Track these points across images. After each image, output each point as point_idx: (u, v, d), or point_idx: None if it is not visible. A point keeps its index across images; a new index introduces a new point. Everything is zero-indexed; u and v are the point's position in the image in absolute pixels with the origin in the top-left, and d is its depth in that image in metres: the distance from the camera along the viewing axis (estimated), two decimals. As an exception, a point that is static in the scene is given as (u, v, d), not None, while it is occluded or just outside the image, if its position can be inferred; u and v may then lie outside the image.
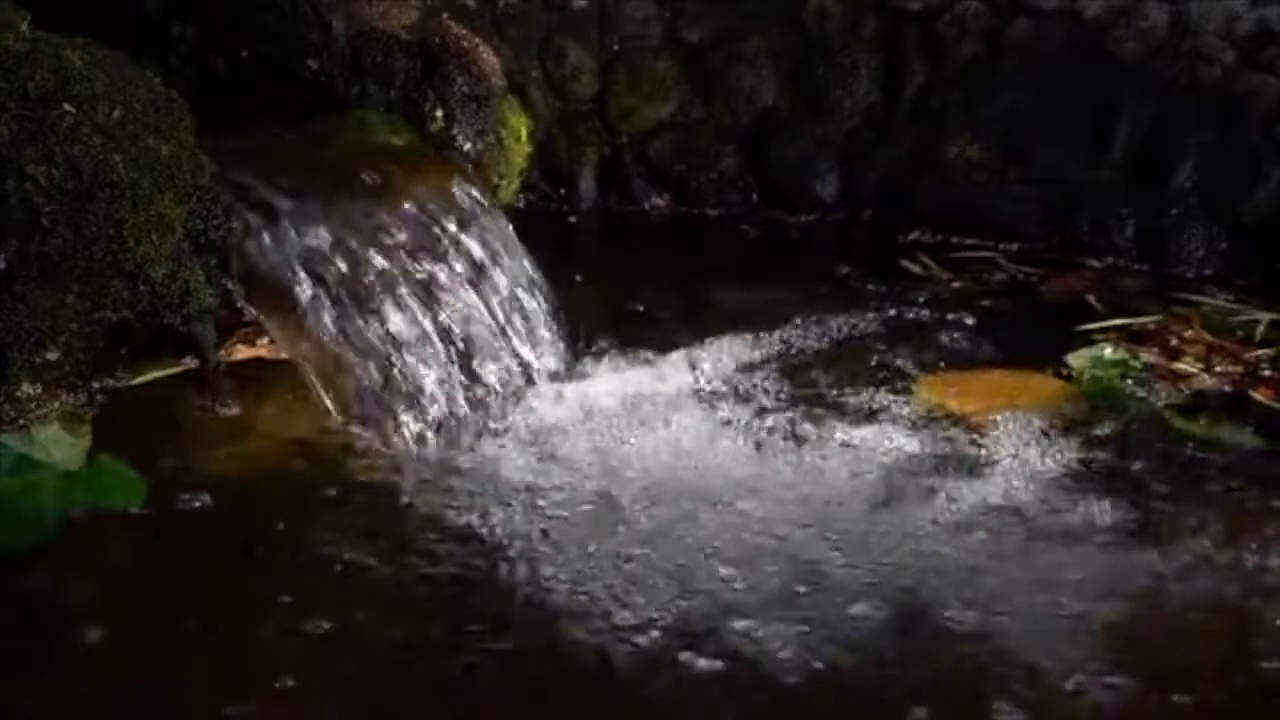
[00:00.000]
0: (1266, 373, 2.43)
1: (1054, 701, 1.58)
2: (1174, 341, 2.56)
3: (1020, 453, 2.13)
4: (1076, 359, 2.45)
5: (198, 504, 1.92)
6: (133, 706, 1.54)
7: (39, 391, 1.89)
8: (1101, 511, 1.97)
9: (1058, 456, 2.13)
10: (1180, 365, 2.45)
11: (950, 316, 2.66)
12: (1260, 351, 2.51)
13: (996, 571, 1.83)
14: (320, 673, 1.60)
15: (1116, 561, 1.86)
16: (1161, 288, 2.82)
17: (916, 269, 2.92)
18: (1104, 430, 2.21)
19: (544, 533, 1.88)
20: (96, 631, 1.63)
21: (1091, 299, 2.75)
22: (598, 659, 1.63)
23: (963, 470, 2.08)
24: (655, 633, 1.67)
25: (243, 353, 2.18)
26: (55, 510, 1.85)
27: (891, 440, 2.16)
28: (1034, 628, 1.71)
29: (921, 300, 2.74)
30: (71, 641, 1.62)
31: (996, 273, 2.93)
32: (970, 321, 2.64)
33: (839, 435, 2.17)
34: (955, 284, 2.85)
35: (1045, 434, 2.19)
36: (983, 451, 2.13)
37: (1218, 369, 2.45)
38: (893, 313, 2.67)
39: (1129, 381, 2.38)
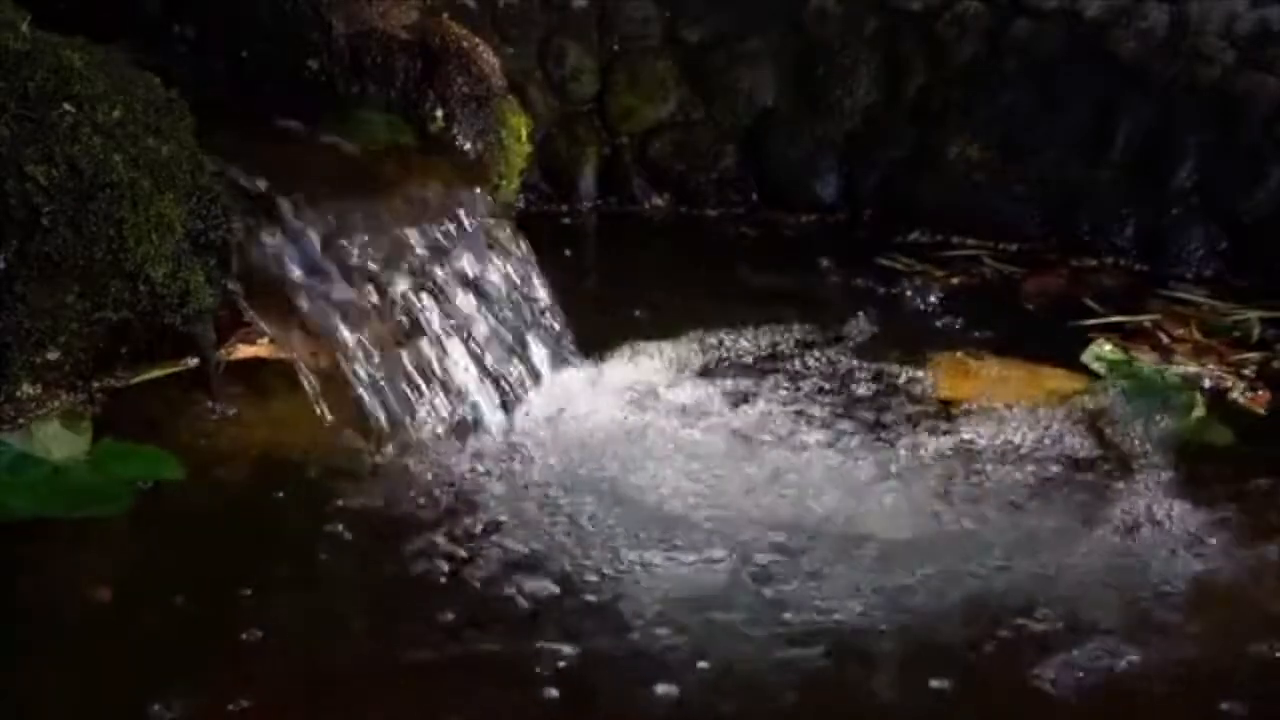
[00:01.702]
0: (1250, 374, 2.44)
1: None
2: (1166, 340, 2.57)
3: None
4: (1091, 354, 2.47)
5: (195, 501, 1.92)
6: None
7: (39, 391, 1.90)
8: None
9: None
10: (1177, 366, 2.46)
11: (947, 314, 2.69)
12: (1249, 354, 2.52)
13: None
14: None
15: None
16: (1137, 286, 2.85)
17: (899, 267, 2.92)
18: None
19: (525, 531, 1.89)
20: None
21: (1090, 301, 2.77)
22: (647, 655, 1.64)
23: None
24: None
25: (243, 353, 2.18)
26: (129, 481, 1.93)
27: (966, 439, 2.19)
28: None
29: (913, 299, 2.75)
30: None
31: (982, 271, 2.94)
32: (963, 318, 2.66)
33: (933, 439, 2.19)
34: (948, 281, 2.87)
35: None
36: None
37: (1209, 368, 2.46)
38: (893, 311, 2.68)
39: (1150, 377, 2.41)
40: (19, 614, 1.69)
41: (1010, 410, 2.26)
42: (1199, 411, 2.29)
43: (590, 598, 1.74)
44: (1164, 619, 1.74)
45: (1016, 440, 2.18)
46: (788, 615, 1.71)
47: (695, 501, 1.98)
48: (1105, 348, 2.49)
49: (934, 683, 1.59)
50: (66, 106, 1.83)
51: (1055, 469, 2.10)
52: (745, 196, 3.29)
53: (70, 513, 1.87)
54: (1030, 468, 2.10)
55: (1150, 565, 1.85)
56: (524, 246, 2.38)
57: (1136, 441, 2.19)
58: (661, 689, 1.57)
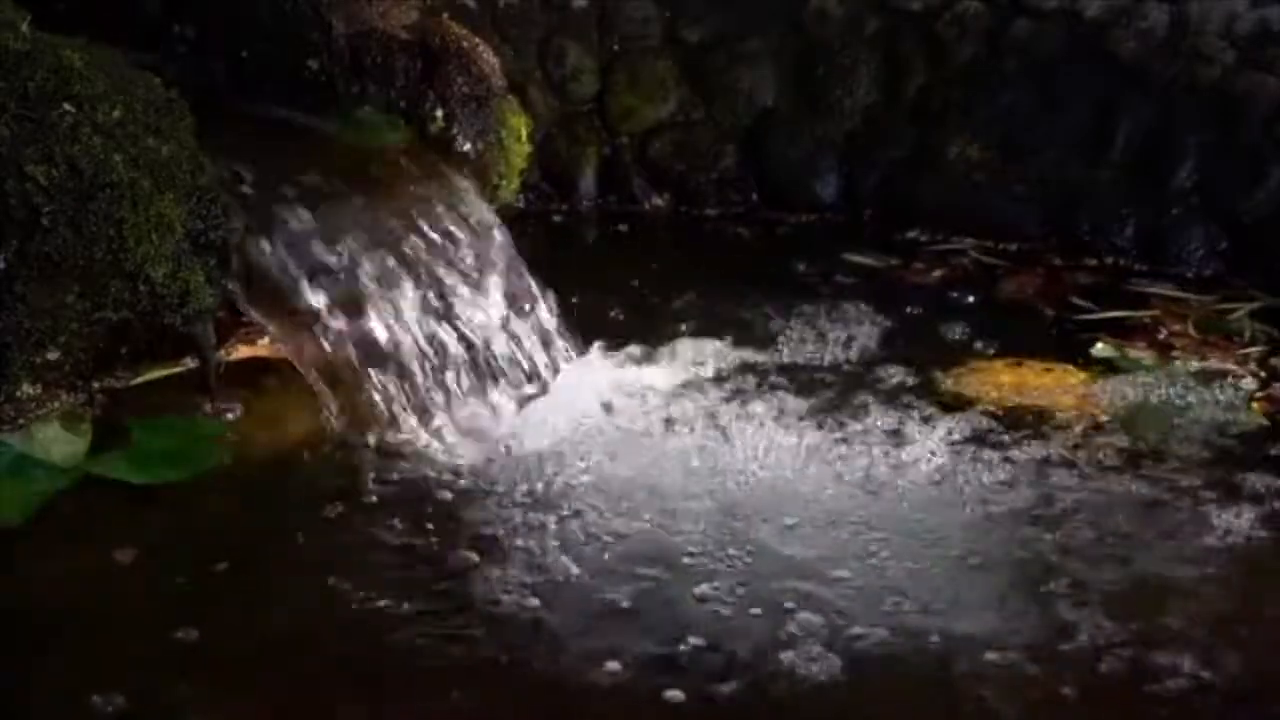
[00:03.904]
0: (1254, 370, 2.45)
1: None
2: (1163, 335, 2.57)
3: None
4: (1101, 351, 2.48)
5: (193, 500, 1.92)
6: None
7: (39, 391, 1.89)
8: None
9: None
10: (1194, 362, 2.47)
11: (943, 312, 2.68)
12: (1251, 349, 2.52)
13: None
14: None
15: None
16: (1114, 284, 2.85)
17: (879, 264, 2.93)
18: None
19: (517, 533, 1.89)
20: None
21: (1078, 300, 2.77)
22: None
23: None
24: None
25: (243, 353, 2.18)
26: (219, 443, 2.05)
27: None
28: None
29: (912, 298, 2.75)
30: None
31: (969, 267, 2.95)
32: (963, 318, 2.65)
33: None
34: (944, 281, 2.87)
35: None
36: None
37: (1212, 362, 2.47)
38: (895, 310, 2.67)
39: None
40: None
41: (1048, 408, 2.27)
42: (1236, 403, 2.30)
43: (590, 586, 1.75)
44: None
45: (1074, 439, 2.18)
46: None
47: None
48: (1098, 345, 2.50)
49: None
50: (66, 106, 1.83)
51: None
52: (745, 196, 3.29)
53: (184, 477, 1.96)
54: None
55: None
56: (518, 248, 2.38)
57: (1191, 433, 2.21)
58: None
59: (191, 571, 1.78)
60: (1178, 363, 2.46)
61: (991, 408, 2.26)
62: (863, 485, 2.03)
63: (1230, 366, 2.45)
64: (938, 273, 2.91)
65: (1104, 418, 2.25)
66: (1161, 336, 2.58)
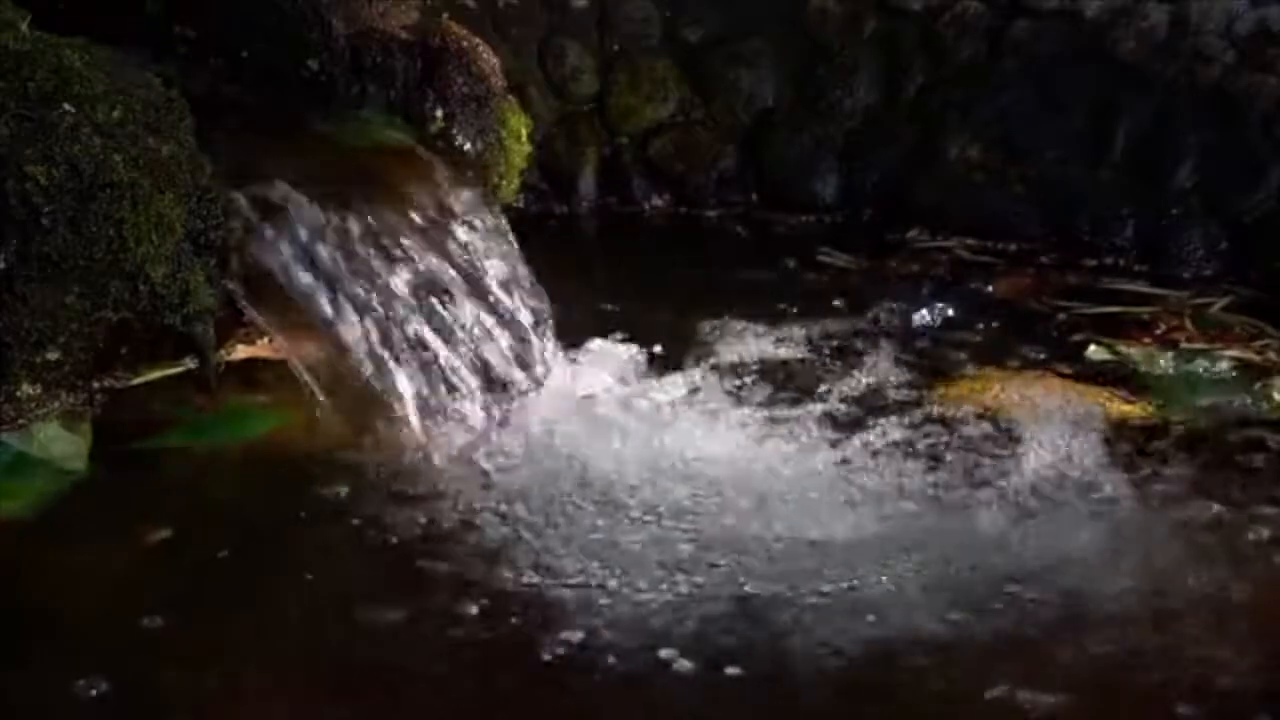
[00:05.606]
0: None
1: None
2: (1161, 331, 2.57)
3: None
4: (1095, 353, 2.47)
5: (191, 497, 1.93)
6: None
7: (39, 391, 1.89)
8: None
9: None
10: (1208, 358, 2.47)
11: (947, 314, 2.68)
12: (1261, 342, 2.52)
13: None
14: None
15: None
16: (1101, 283, 2.86)
17: (850, 265, 2.94)
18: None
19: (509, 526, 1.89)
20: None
21: (1072, 300, 2.77)
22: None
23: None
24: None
25: (243, 353, 2.18)
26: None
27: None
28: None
29: (915, 302, 2.74)
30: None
31: (954, 266, 2.95)
32: (964, 322, 2.65)
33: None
34: (949, 284, 2.87)
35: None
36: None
37: (1229, 355, 2.46)
38: (899, 314, 2.67)
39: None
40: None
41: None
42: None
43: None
44: None
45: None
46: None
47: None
48: (1091, 348, 2.49)
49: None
50: (66, 106, 1.82)
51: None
52: (745, 196, 3.30)
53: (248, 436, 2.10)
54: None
55: None
56: (519, 248, 2.38)
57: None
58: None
59: (192, 564, 1.78)
60: (1198, 358, 2.45)
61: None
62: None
63: (1253, 358, 2.44)
64: (916, 268, 2.91)
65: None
66: (1159, 332, 2.58)
